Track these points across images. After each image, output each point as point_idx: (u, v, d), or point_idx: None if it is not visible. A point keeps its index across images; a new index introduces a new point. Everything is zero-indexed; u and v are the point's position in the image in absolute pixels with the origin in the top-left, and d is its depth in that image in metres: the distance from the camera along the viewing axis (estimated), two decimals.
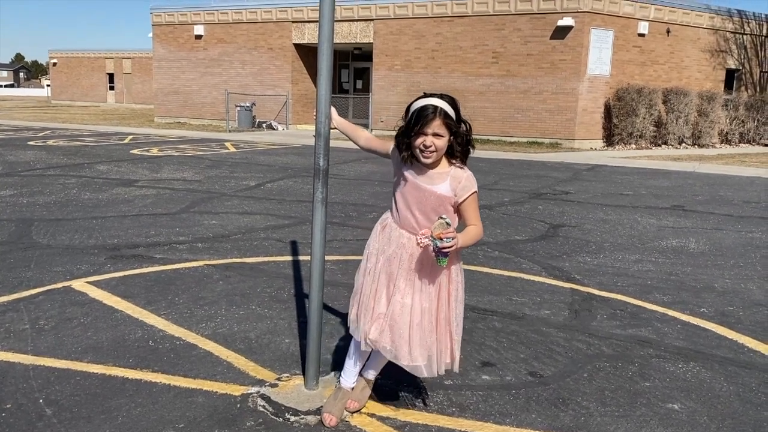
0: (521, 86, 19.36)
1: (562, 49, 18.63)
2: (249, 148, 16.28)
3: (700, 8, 20.74)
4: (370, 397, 3.02)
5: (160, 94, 26.98)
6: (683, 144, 20.05)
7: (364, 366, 2.99)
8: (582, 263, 5.73)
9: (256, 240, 6.23)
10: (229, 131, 21.82)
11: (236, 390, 3.09)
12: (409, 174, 2.66)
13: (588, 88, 18.72)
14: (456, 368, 2.80)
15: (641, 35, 19.43)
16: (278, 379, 3.22)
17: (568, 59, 18.59)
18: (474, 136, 2.70)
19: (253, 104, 23.51)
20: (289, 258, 5.61)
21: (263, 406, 2.93)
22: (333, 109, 2.92)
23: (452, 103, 2.59)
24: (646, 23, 19.40)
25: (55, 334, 3.73)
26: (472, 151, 2.67)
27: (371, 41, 21.86)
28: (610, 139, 19.35)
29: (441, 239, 2.41)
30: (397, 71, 21.28)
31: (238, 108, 23.07)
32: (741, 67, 22.65)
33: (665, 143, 19.74)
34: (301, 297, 4.48)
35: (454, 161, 2.64)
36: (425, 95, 2.61)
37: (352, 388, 2.98)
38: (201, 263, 5.32)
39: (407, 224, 2.69)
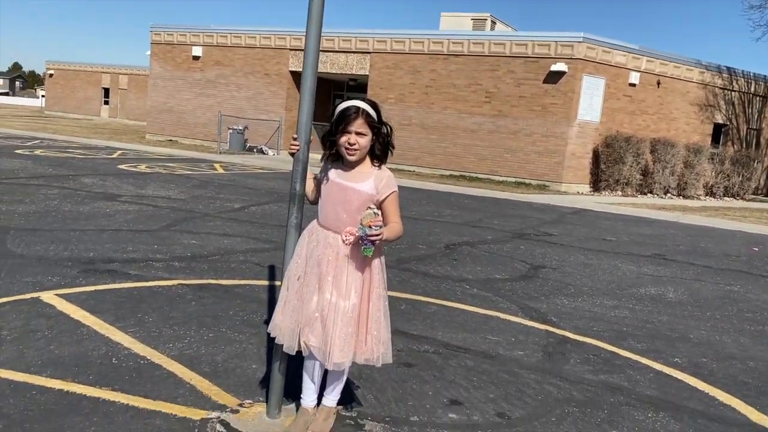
0: (512, 127, 19.58)
1: (554, 94, 18.91)
2: (237, 171, 16.26)
3: (690, 63, 21.20)
4: (332, 430, 2.95)
5: (154, 112, 27.02)
6: (668, 194, 20.28)
7: (322, 390, 2.98)
8: (559, 306, 5.71)
9: (234, 262, 6.17)
10: (220, 153, 21.82)
11: (196, 414, 3.01)
12: (334, 175, 2.80)
13: (577, 133, 18.96)
14: (378, 364, 2.83)
15: (632, 85, 19.79)
16: (240, 405, 3.15)
17: (560, 104, 18.86)
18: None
19: (246, 128, 23.58)
20: (266, 282, 5.55)
21: None
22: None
23: (374, 105, 2.77)
24: (638, 74, 19.78)
25: (17, 345, 3.64)
26: (391, 152, 2.83)
27: (367, 73, 22.10)
28: (597, 185, 19.54)
29: (370, 227, 2.55)
30: (390, 104, 21.45)
31: (231, 130, 23.12)
32: (728, 123, 23.09)
33: (651, 192, 19.96)
34: None
35: (375, 162, 2.79)
36: (348, 99, 2.78)
37: (315, 408, 2.97)
38: (175, 282, 5.25)
39: (333, 225, 2.78)
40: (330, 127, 2.74)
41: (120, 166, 14.44)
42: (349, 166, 2.78)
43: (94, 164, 14.40)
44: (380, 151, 2.78)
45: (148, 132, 27.19)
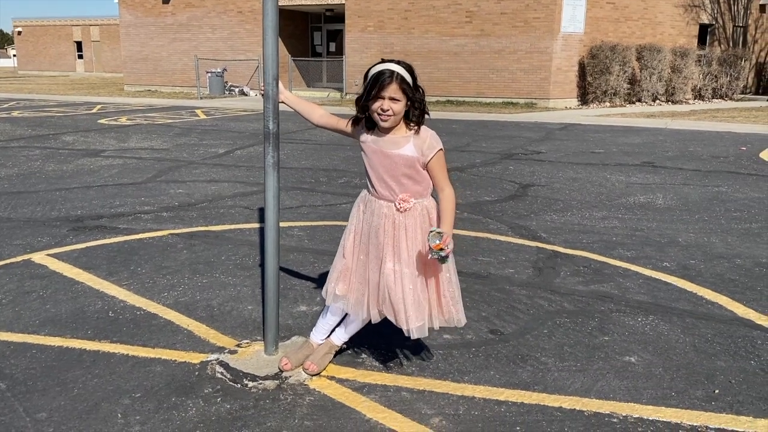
0: (496, 46, 19.18)
1: (536, 7, 18.43)
2: (219, 115, 16.02)
3: None
4: (330, 360, 3.02)
5: (129, 62, 26.34)
6: (657, 101, 20.12)
7: (335, 328, 3.01)
8: (549, 222, 5.76)
9: (223, 208, 6.16)
10: (201, 98, 21.43)
11: (195, 358, 3.08)
12: (372, 144, 2.71)
13: (562, 46, 18.60)
14: (457, 325, 2.87)
15: None
16: (238, 345, 3.21)
17: (542, 17, 18.41)
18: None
19: (225, 70, 23.07)
20: (256, 225, 5.56)
21: (221, 373, 2.92)
22: (281, 85, 2.88)
23: (409, 69, 2.65)
24: None
25: (13, 308, 3.67)
26: (427, 116, 2.73)
27: (343, 2, 21.42)
28: (584, 98, 19.34)
29: (442, 249, 2.52)
30: (370, 33, 20.93)
31: (209, 74, 22.63)
32: (714, 22, 22.64)
33: (639, 100, 19.78)
34: None
35: (411, 125, 2.68)
36: (383, 61, 2.67)
37: (319, 346, 3.02)
38: (165, 232, 5.26)
39: (384, 194, 2.73)
40: (363, 90, 2.65)
41: (100, 121, 14.20)
42: (384, 131, 2.68)
43: (74, 121, 14.15)
44: (416, 117, 2.66)
45: (126, 83, 26.59)
